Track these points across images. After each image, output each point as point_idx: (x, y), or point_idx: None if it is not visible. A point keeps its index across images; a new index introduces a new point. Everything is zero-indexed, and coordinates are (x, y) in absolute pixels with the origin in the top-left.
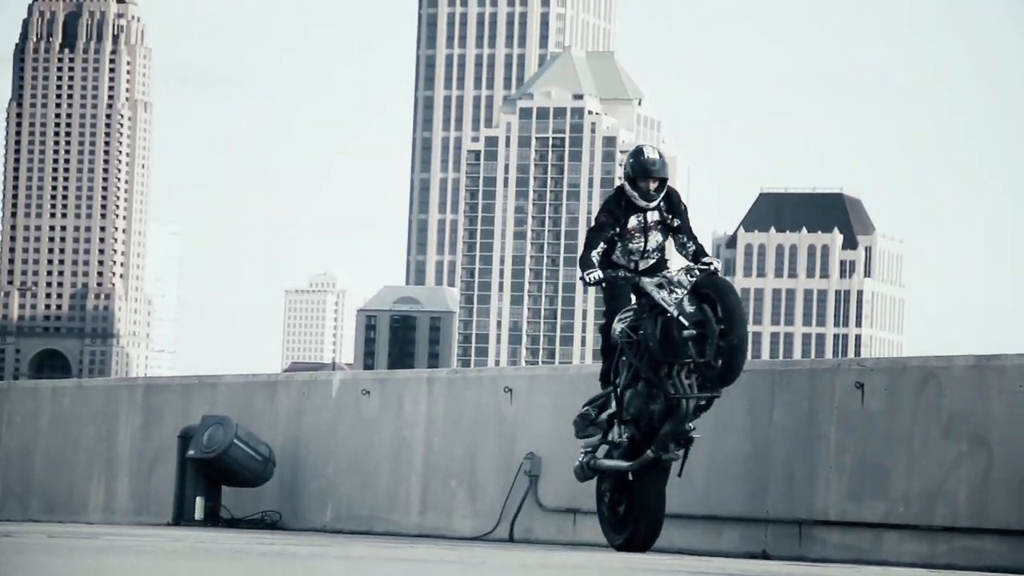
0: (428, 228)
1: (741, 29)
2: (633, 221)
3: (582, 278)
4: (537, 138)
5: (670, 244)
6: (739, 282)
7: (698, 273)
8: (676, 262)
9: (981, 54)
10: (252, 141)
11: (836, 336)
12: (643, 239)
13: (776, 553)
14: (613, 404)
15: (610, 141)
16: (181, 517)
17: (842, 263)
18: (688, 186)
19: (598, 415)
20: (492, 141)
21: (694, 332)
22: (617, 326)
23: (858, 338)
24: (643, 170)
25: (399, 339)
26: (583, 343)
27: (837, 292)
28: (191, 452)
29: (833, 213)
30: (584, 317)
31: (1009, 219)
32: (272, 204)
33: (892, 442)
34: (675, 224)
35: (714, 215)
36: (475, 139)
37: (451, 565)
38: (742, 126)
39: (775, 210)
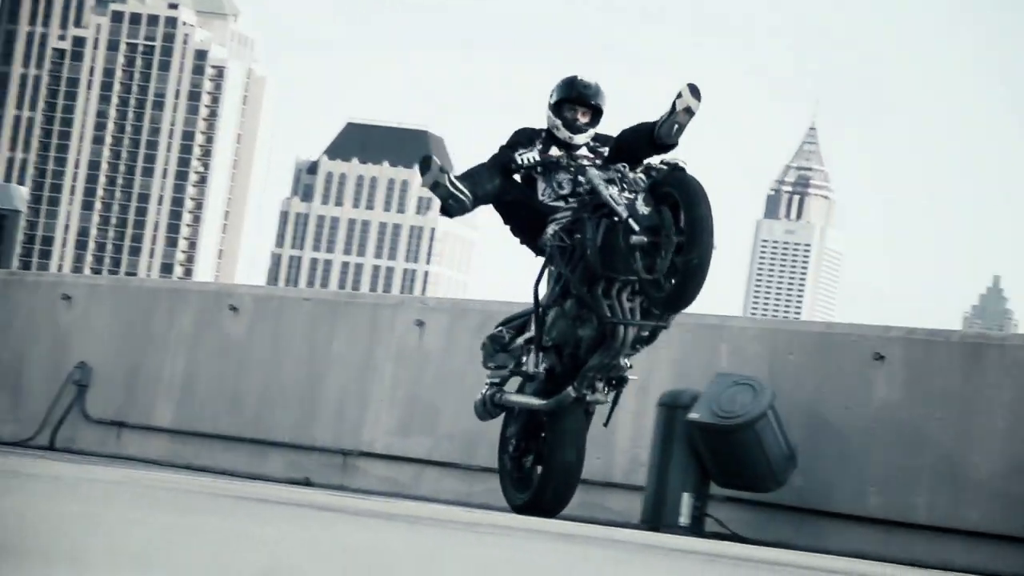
0: (3, 124)
1: None
2: (554, 151)
3: (512, 159)
4: (127, 43)
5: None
6: (316, 210)
7: (663, 168)
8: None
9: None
10: None
11: (405, 271)
12: (571, 175)
13: (319, 481)
14: (532, 327)
15: (201, 55)
16: None
17: (419, 200)
18: (277, 109)
19: (513, 339)
20: (80, 42)
21: (645, 240)
22: (550, 228)
23: (426, 275)
24: (576, 94)
25: None
26: (151, 255)
27: (411, 228)
28: None
29: (416, 150)
30: (156, 229)
31: None
32: None
33: (445, 381)
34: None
35: (299, 141)
36: (62, 37)
37: None
38: (337, 55)
39: (361, 141)
